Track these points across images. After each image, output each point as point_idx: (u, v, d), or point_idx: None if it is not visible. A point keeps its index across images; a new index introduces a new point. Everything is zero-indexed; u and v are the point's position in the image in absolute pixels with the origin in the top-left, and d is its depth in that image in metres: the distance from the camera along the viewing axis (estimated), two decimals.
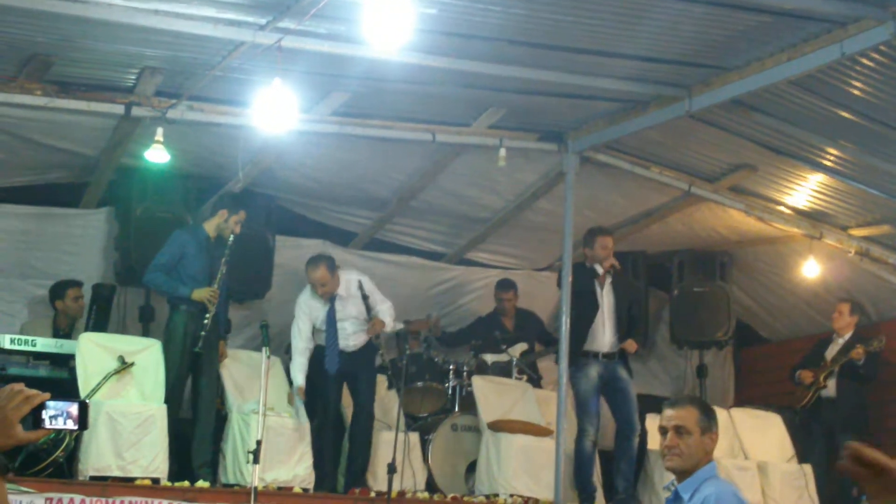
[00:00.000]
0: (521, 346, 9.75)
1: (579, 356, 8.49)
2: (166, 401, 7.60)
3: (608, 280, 8.63)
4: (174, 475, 7.48)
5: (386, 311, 8.36)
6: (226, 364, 8.13)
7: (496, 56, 7.13)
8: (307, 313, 8.26)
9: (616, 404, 8.60)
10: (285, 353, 9.10)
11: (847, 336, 9.78)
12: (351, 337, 8.27)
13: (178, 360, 7.74)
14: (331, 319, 8.24)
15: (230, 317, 8.71)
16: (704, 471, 3.95)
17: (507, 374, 9.35)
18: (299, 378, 8.11)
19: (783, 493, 9.11)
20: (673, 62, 7.22)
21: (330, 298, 8.26)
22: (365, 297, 8.23)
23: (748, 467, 9.15)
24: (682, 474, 4.00)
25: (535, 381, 9.50)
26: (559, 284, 8.85)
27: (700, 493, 3.89)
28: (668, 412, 4.05)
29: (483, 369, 9.58)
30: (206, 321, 7.69)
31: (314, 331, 8.31)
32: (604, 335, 8.56)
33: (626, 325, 8.74)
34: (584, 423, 8.44)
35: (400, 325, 8.91)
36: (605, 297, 8.61)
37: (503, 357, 9.61)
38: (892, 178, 8.47)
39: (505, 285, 10.16)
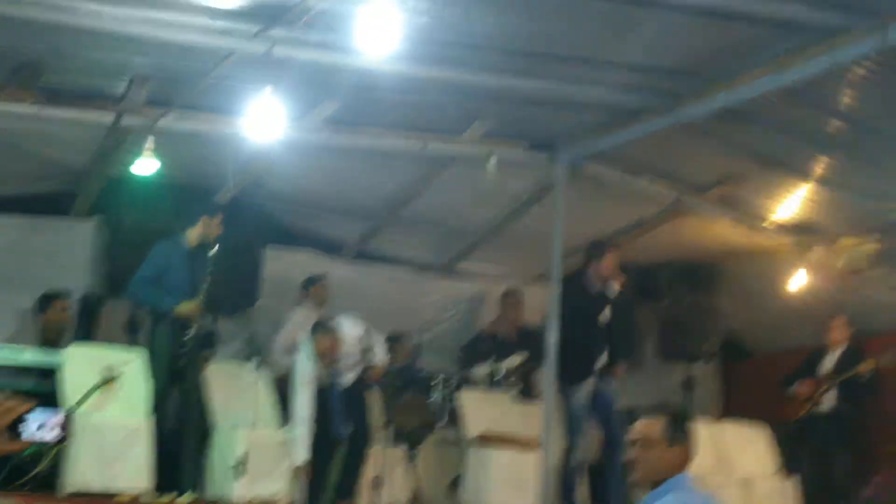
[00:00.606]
0: (518, 358, 9.72)
1: (579, 373, 8.44)
2: (156, 414, 7.53)
3: (611, 297, 8.60)
4: (159, 488, 7.41)
5: (381, 350, 8.35)
6: (211, 376, 8.04)
7: (487, 66, 7.13)
8: (313, 382, 8.02)
9: (605, 419, 8.58)
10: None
11: (841, 349, 9.77)
12: (346, 377, 8.23)
13: (162, 371, 7.67)
14: (333, 382, 8.10)
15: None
16: (668, 484, 3.83)
17: (498, 385, 9.34)
18: (304, 454, 7.79)
19: None
20: (663, 72, 7.24)
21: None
22: (367, 351, 8.17)
23: (733, 481, 9.11)
24: (651, 487, 3.89)
25: (527, 392, 9.45)
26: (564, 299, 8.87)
27: None
28: (636, 424, 3.95)
29: (469, 382, 9.57)
30: (187, 338, 7.62)
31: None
32: (601, 352, 8.56)
33: (616, 340, 8.74)
34: (574, 440, 8.44)
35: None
36: (608, 315, 8.58)
37: (488, 368, 9.61)
38: (881, 189, 8.50)
39: (509, 293, 10.17)
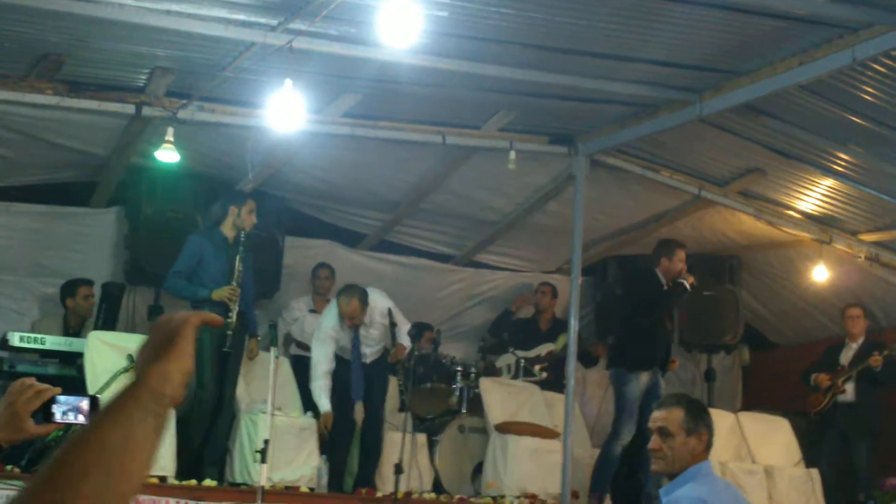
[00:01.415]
0: (547, 346, 9.78)
1: (649, 361, 8.53)
2: (195, 402, 7.59)
3: (678, 294, 8.68)
4: (181, 473, 7.49)
5: (405, 334, 8.36)
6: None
7: (507, 59, 7.12)
8: (334, 338, 8.14)
9: (648, 410, 8.58)
10: (297, 347, 9.17)
11: (860, 341, 9.76)
12: (368, 355, 8.26)
13: (206, 362, 7.73)
14: (356, 349, 8.16)
15: None
16: (689, 473, 3.86)
17: (528, 374, 9.39)
18: (326, 403, 7.96)
19: (790, 498, 9.09)
20: (684, 67, 7.21)
21: (354, 329, 8.19)
22: (393, 325, 8.21)
23: (755, 471, 9.14)
24: (670, 476, 3.93)
25: (553, 382, 9.45)
26: (634, 289, 9.01)
27: (668, 498, 3.83)
28: (654, 413, 3.98)
29: (491, 371, 9.62)
30: (229, 320, 7.68)
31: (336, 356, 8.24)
32: (663, 346, 8.68)
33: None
34: (624, 427, 8.45)
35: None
36: (673, 312, 8.73)
37: (514, 357, 9.66)
38: None
39: (544, 284, 10.29)
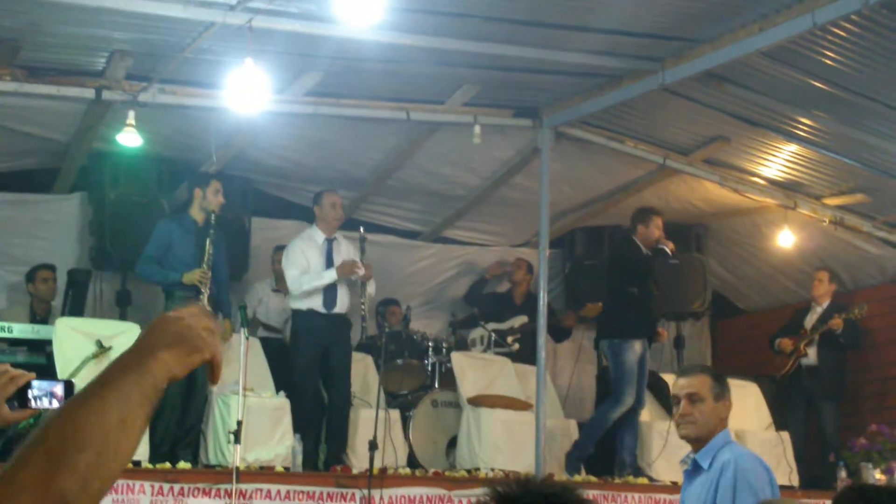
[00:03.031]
0: (520, 319, 9.82)
1: (642, 329, 8.62)
2: (167, 387, 7.55)
3: (660, 260, 8.77)
4: (155, 457, 7.48)
5: (372, 280, 8.46)
6: None
7: (469, 33, 7.11)
8: (302, 254, 8.24)
9: (637, 379, 8.67)
10: (264, 329, 9.18)
11: (825, 304, 9.86)
12: (337, 298, 8.27)
13: None
14: (329, 261, 8.26)
15: None
16: (720, 438, 3.94)
17: (500, 346, 9.43)
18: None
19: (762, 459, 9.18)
20: (645, 35, 7.23)
21: (327, 241, 8.29)
22: (363, 243, 8.32)
23: None
24: (696, 443, 3.98)
25: (525, 354, 9.47)
26: (616, 258, 9.06)
27: (718, 460, 3.88)
28: (681, 381, 4.04)
29: (462, 345, 9.65)
30: (200, 303, 7.66)
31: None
32: (650, 314, 8.78)
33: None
34: (626, 394, 8.52)
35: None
36: (658, 278, 8.80)
37: (482, 331, 9.70)
38: (865, 147, 8.52)
39: (520, 259, 10.33)
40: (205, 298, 7.68)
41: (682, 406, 3.98)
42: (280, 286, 9.29)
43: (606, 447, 8.83)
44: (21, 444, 1.38)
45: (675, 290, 10.84)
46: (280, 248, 9.41)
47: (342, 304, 8.30)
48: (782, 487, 8.83)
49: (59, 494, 1.33)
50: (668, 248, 8.71)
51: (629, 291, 8.64)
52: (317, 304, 8.21)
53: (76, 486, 1.34)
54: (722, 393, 3.98)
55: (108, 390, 1.41)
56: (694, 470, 3.98)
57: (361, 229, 8.53)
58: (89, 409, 1.38)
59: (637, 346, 8.58)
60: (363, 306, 8.34)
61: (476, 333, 9.93)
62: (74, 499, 1.34)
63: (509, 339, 9.67)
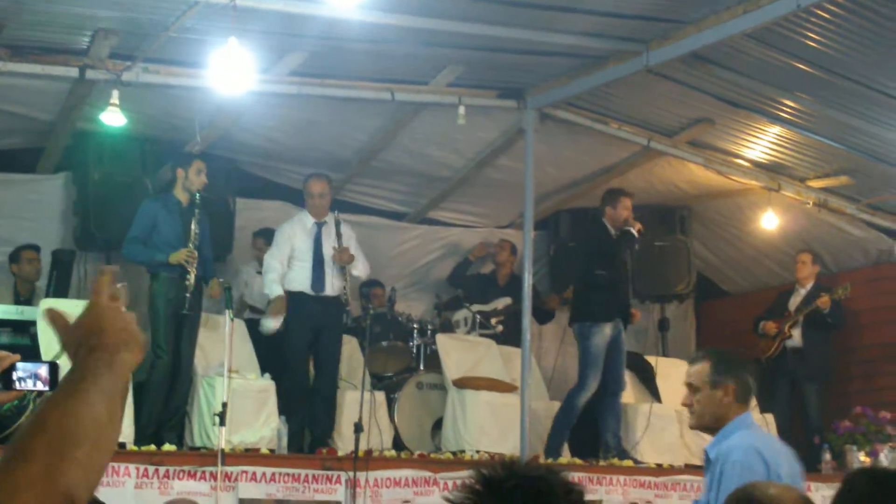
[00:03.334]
0: (504, 300, 9.83)
1: (610, 312, 8.59)
2: (151, 367, 7.58)
3: (627, 242, 8.73)
4: (140, 439, 7.47)
5: (361, 261, 8.43)
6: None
7: (454, 13, 7.09)
8: (287, 240, 8.27)
9: (612, 362, 8.67)
10: (251, 311, 9.17)
11: (809, 286, 9.91)
12: (327, 280, 8.27)
13: (163, 326, 7.70)
14: (317, 244, 8.28)
15: None
16: (731, 425, 3.84)
17: (484, 327, 9.45)
18: (277, 288, 8.16)
19: None
20: (630, 17, 7.22)
21: (317, 224, 8.30)
22: (339, 234, 8.29)
23: None
24: (707, 432, 3.93)
25: (510, 336, 9.49)
26: (583, 240, 9.09)
27: (718, 450, 3.80)
28: (687, 369, 4.01)
29: (447, 327, 9.66)
30: (187, 282, 7.65)
31: (292, 267, 8.29)
32: (620, 296, 8.72)
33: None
34: (590, 379, 8.53)
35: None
36: (627, 259, 8.75)
37: (466, 313, 9.71)
38: (848, 130, 8.55)
39: (503, 241, 10.33)
40: (192, 277, 7.66)
41: (684, 396, 3.97)
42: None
43: (591, 430, 8.86)
44: (14, 437, 1.41)
45: (659, 273, 10.89)
46: (259, 234, 9.40)
47: (332, 286, 8.29)
48: None
49: (65, 487, 1.37)
50: (635, 229, 8.68)
51: (597, 274, 8.61)
52: (305, 286, 8.21)
53: (79, 479, 1.38)
54: (721, 379, 3.87)
55: (91, 386, 1.46)
56: (706, 461, 3.89)
57: (336, 213, 8.49)
58: (81, 402, 1.44)
59: (607, 330, 8.57)
60: (345, 289, 8.31)
61: (460, 315, 9.94)
62: (78, 491, 1.38)
63: (493, 321, 9.69)
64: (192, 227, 7.74)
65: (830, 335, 9.86)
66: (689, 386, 3.95)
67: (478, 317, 9.66)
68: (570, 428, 8.63)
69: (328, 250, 8.29)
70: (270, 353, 8.36)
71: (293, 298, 8.22)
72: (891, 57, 7.29)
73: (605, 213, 8.78)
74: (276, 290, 8.17)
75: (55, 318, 1.60)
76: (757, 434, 3.92)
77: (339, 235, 8.34)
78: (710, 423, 3.90)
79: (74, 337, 1.56)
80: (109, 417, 1.45)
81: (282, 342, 8.28)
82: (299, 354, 8.21)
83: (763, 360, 9.90)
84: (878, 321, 10.19)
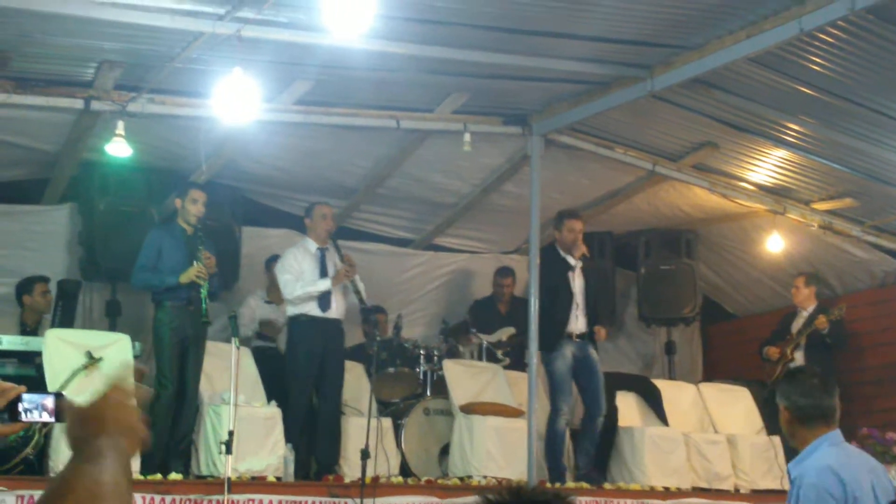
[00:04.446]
0: (508, 330, 9.82)
1: (556, 340, 8.58)
2: (156, 396, 7.59)
3: (578, 266, 8.71)
4: (146, 468, 7.45)
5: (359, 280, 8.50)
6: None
7: (458, 41, 7.12)
8: (294, 265, 8.32)
9: (585, 385, 8.70)
10: (258, 338, 9.16)
11: (810, 308, 9.91)
12: (332, 302, 8.29)
13: (168, 355, 7.70)
14: (323, 267, 8.34)
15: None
16: (812, 446, 3.80)
17: (491, 357, 9.45)
18: (324, 283, 8.23)
19: (753, 465, 9.23)
20: (633, 43, 7.24)
21: (320, 250, 8.39)
22: (341, 257, 8.37)
23: (718, 440, 9.26)
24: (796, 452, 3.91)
25: (518, 364, 9.48)
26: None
27: (797, 469, 3.78)
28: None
29: (454, 353, 9.64)
30: (203, 294, 7.65)
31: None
32: (577, 319, 8.69)
33: (594, 306, 8.86)
34: (559, 403, 8.55)
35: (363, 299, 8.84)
36: (577, 282, 8.73)
37: (474, 341, 9.70)
38: (852, 152, 8.56)
39: (504, 272, 10.31)
40: (204, 291, 7.66)
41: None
42: (272, 297, 9.28)
43: (598, 454, 8.84)
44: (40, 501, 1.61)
45: (665, 296, 10.89)
46: (272, 259, 9.41)
47: (337, 309, 8.32)
48: (774, 492, 8.94)
49: None
50: (576, 255, 8.65)
51: (544, 302, 8.61)
52: (312, 307, 8.24)
53: None
54: (778, 402, 3.89)
55: (105, 459, 1.66)
56: (790, 480, 3.86)
57: (334, 239, 8.56)
58: (101, 469, 1.64)
59: (567, 353, 8.58)
60: (359, 296, 8.32)
61: (465, 349, 9.92)
62: None
63: (500, 353, 9.66)
64: (201, 252, 7.75)
65: (833, 357, 9.82)
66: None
67: (484, 345, 9.64)
68: (561, 454, 8.61)
69: (331, 272, 8.33)
70: (276, 381, 8.35)
71: (299, 322, 8.23)
72: (893, 80, 7.31)
73: (556, 237, 8.82)
74: (323, 284, 8.22)
75: (64, 406, 1.88)
76: (838, 453, 3.81)
77: (341, 258, 8.38)
78: (791, 443, 3.91)
79: (79, 426, 1.73)
80: (126, 483, 1.66)
81: (287, 366, 8.29)
82: (305, 380, 8.20)
83: (768, 384, 9.89)
84: (882, 342, 10.18)
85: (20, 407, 2.40)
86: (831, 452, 3.77)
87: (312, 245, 8.46)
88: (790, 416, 3.85)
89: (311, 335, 8.21)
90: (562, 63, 7.50)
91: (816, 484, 3.64)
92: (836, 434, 3.85)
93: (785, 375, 4.10)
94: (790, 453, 9.24)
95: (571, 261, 8.69)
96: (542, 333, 8.61)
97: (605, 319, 9.28)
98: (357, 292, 8.34)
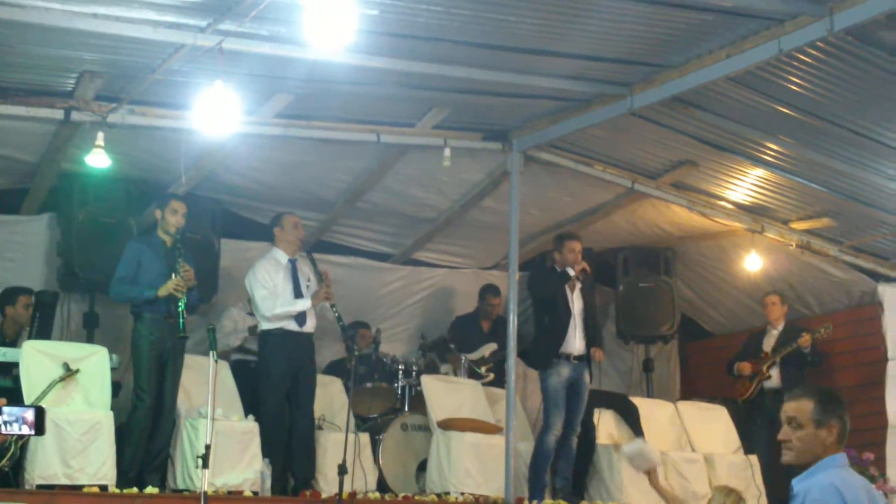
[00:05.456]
0: (490, 346, 9.82)
1: (552, 357, 8.57)
2: (133, 409, 7.55)
3: (578, 284, 8.72)
4: (122, 482, 7.42)
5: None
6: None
7: (439, 56, 7.14)
8: (267, 279, 8.29)
9: (570, 406, 8.67)
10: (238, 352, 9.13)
11: (780, 326, 9.97)
12: (307, 317, 8.28)
13: (146, 368, 7.67)
14: (295, 278, 8.32)
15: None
16: (822, 464, 3.80)
17: (473, 375, 9.44)
18: (304, 303, 8.22)
19: (730, 483, 9.18)
20: (614, 61, 7.29)
21: (290, 261, 8.38)
22: (317, 271, 8.38)
23: (695, 459, 9.28)
24: (799, 469, 3.86)
25: (500, 381, 9.48)
26: (529, 287, 8.98)
27: (803, 485, 3.76)
28: (785, 405, 3.91)
29: (432, 369, 9.64)
30: (180, 308, 7.62)
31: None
32: (575, 339, 8.67)
33: (594, 327, 8.92)
34: (553, 419, 8.52)
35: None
36: (576, 302, 8.73)
37: (451, 367, 9.71)
38: (830, 172, 8.62)
39: (493, 291, 10.31)
40: (182, 304, 7.63)
41: (782, 430, 3.88)
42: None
43: (576, 472, 8.84)
44: None
45: (643, 313, 10.91)
46: None
47: (311, 324, 8.31)
48: None
49: None
50: (575, 270, 8.66)
51: (542, 319, 8.66)
52: (288, 322, 8.22)
53: None
54: (826, 418, 3.81)
55: None
56: (791, 495, 3.83)
57: (307, 252, 8.58)
58: None
59: (564, 371, 8.57)
60: (338, 316, 8.30)
61: (445, 368, 9.91)
62: None
63: (483, 369, 9.66)
64: (181, 264, 7.73)
65: (806, 375, 9.84)
66: (791, 421, 3.86)
67: (466, 363, 9.64)
68: (545, 470, 8.60)
69: (303, 285, 8.31)
70: (254, 395, 8.32)
71: (273, 337, 8.21)
72: (871, 100, 7.37)
73: (555, 259, 8.84)
74: (302, 304, 8.22)
75: None
76: (843, 474, 3.83)
77: (317, 273, 8.36)
78: (809, 460, 3.83)
79: None
80: None
81: (261, 381, 8.25)
82: (279, 395, 8.17)
83: (740, 402, 9.93)
84: (857, 362, 10.22)
85: (0, 419, 2.39)
86: (837, 473, 3.80)
87: (283, 256, 8.42)
88: (838, 433, 3.85)
89: (285, 350, 8.18)
90: (542, 80, 7.53)
91: (820, 500, 3.69)
92: (844, 456, 3.89)
93: (828, 393, 3.98)
94: (768, 472, 9.31)
95: (571, 273, 8.68)
96: (538, 350, 8.65)
97: (598, 342, 9.29)
98: (337, 314, 8.30)
